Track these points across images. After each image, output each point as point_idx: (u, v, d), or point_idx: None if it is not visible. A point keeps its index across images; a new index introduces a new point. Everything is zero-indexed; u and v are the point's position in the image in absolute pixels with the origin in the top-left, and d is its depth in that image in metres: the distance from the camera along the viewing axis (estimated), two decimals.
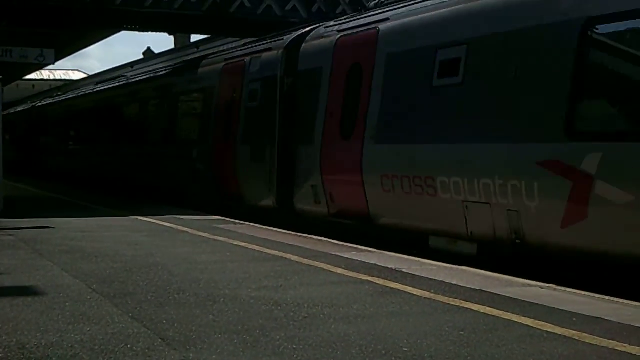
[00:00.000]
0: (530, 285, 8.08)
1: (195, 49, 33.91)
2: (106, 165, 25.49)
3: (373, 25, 13.01)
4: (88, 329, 5.82)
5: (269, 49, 15.98)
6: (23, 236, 11.63)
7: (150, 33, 26.45)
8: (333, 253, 10.26)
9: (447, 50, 11.01)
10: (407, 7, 12.61)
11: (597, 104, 9.27)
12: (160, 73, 24.34)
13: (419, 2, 12.44)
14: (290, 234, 12.62)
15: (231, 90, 17.11)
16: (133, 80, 26.76)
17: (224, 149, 17.01)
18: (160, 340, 5.55)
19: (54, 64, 21.56)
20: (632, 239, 8.29)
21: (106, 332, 5.75)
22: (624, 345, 5.59)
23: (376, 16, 13.36)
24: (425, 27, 11.78)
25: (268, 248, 10.66)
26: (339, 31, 14.03)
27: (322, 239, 11.96)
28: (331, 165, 13.42)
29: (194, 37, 44.76)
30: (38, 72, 56.59)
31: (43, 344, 5.35)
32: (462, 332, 5.92)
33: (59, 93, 35.42)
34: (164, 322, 6.12)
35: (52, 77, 74.93)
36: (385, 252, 10.40)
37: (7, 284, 7.70)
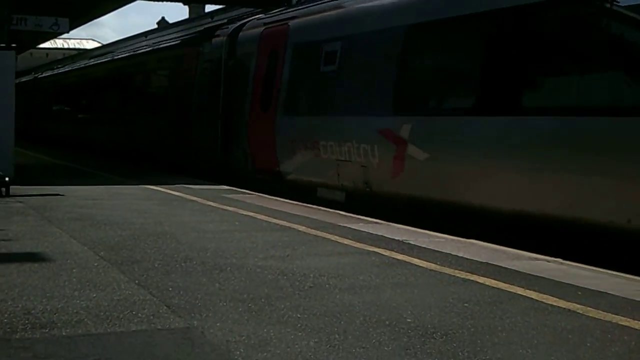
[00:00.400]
0: (536, 259, 8.08)
1: (210, 19, 33.79)
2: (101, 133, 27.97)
3: (285, 21, 16.29)
4: (94, 295, 5.85)
5: (218, 36, 19.09)
6: (32, 203, 11.68)
7: (164, 3, 26.67)
8: (340, 224, 10.28)
9: (329, 44, 14.19)
10: (309, 7, 16.06)
11: (408, 89, 12.36)
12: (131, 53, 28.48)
13: (317, 4, 15.72)
14: (298, 204, 12.64)
15: (188, 69, 20.34)
16: (119, 57, 29.58)
17: (185, 118, 20.14)
18: (165, 307, 5.59)
19: (68, 32, 21.43)
20: (431, 186, 11.22)
21: (112, 298, 5.79)
22: (628, 319, 5.59)
23: (290, 13, 16.76)
24: (316, 25, 15.11)
25: (276, 218, 10.68)
26: (265, 24, 17.22)
27: (330, 210, 11.98)
28: (254, 133, 16.45)
29: (209, 7, 44.53)
30: (52, 41, 56.39)
31: (48, 310, 5.39)
32: (466, 304, 5.94)
33: (67, 64, 36.19)
34: (170, 289, 6.15)
35: (66, 46, 74.67)
36: (393, 224, 10.42)
37: (15, 250, 7.74)
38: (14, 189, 12.78)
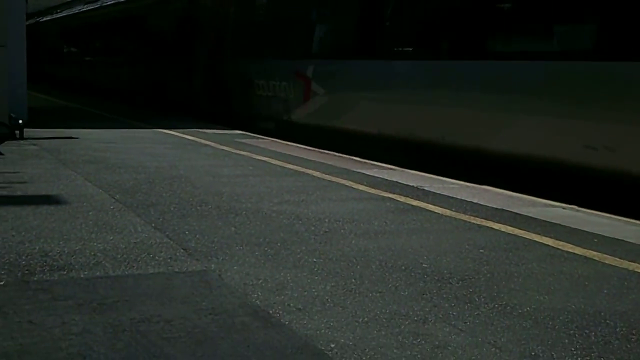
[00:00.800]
0: (552, 206, 8.06)
1: None
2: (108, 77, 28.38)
3: None
4: (111, 238, 5.87)
5: None
6: (47, 146, 11.69)
7: None
8: (355, 170, 10.26)
9: None
10: None
11: (309, 38, 15.17)
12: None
13: None
14: (312, 149, 12.62)
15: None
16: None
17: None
18: (182, 250, 5.60)
19: None
20: (327, 115, 14.22)
21: (129, 241, 5.81)
22: None
23: None
24: None
25: (290, 163, 10.67)
26: None
27: (344, 155, 11.96)
28: (213, 75, 19.15)
29: None
30: None
31: (66, 252, 5.41)
32: (482, 250, 5.94)
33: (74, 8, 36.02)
34: (186, 232, 6.16)
35: None
36: (407, 170, 10.39)
37: (31, 192, 7.76)
38: (27, 131, 12.80)
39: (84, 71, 31.81)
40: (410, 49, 12.45)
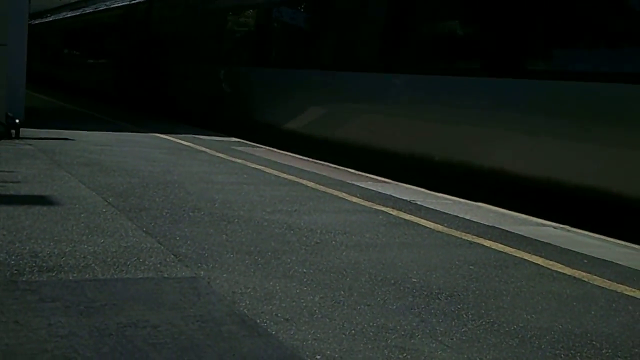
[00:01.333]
0: (544, 225, 8.08)
1: None
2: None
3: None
4: (101, 241, 5.87)
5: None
6: (42, 146, 11.69)
7: None
8: (349, 181, 10.27)
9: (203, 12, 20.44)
10: None
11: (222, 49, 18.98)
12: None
13: None
14: (307, 160, 12.63)
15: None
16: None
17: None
18: (172, 256, 5.60)
19: None
20: (242, 110, 17.42)
21: (119, 245, 5.81)
22: (633, 289, 5.60)
23: None
24: None
25: (285, 172, 10.68)
26: None
27: (340, 167, 11.97)
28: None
29: None
30: None
31: (56, 253, 5.41)
32: (472, 267, 5.95)
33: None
34: (178, 238, 6.17)
35: None
36: (401, 184, 10.41)
37: (24, 192, 7.76)
38: (24, 131, 12.78)
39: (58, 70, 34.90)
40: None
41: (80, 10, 32.91)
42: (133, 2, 24.97)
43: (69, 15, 34.84)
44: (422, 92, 11.76)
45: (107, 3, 28.76)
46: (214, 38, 19.12)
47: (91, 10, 30.67)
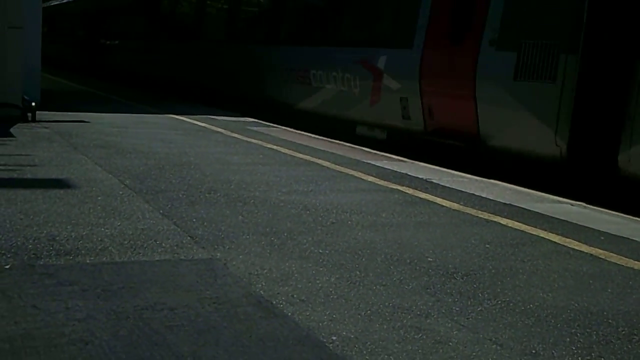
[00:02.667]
0: (560, 202, 8.05)
1: None
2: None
3: None
4: (118, 224, 5.90)
5: None
6: (58, 129, 11.73)
7: None
8: (365, 160, 10.26)
9: None
10: None
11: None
12: None
13: None
14: (322, 139, 12.62)
15: None
16: None
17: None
18: (189, 238, 5.63)
19: None
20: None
21: (136, 227, 5.83)
22: None
23: None
24: None
25: (300, 152, 10.68)
26: None
27: (355, 146, 11.96)
28: None
29: None
30: None
31: (73, 237, 5.44)
32: (488, 246, 5.94)
33: None
34: (194, 220, 6.19)
35: None
36: (417, 162, 10.39)
37: (41, 175, 7.80)
38: (40, 114, 12.83)
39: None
40: None
41: None
42: None
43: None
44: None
45: None
46: None
47: None
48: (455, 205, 7.47)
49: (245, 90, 17.94)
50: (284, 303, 4.34)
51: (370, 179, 8.79)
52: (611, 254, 5.88)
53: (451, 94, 11.37)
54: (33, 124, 12.19)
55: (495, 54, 10.55)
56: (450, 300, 4.59)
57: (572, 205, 7.93)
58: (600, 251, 5.95)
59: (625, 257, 5.81)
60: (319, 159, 10.15)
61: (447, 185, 8.65)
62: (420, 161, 10.55)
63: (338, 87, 14.19)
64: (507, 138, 10.56)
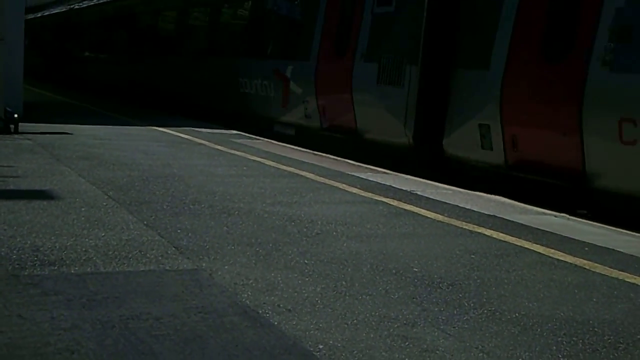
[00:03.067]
0: (544, 214, 8.09)
1: None
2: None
3: None
4: (102, 235, 5.87)
5: None
6: (41, 141, 11.68)
7: None
8: (349, 172, 10.27)
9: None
10: None
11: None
12: None
13: None
14: (307, 151, 12.63)
15: None
16: None
17: None
18: (173, 248, 5.61)
19: None
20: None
21: (120, 238, 5.81)
22: (634, 277, 5.61)
23: None
24: None
25: (284, 164, 10.68)
26: None
27: (339, 158, 11.97)
28: None
29: None
30: None
31: (57, 247, 5.41)
32: (473, 256, 5.95)
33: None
34: (178, 231, 6.17)
35: None
36: (401, 174, 10.41)
37: (24, 187, 7.76)
38: (22, 126, 12.76)
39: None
40: None
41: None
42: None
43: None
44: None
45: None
46: None
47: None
48: (439, 217, 7.49)
49: (197, 99, 20.75)
50: (270, 312, 4.33)
51: (355, 190, 8.80)
52: (595, 264, 5.91)
53: (336, 97, 14.32)
54: (16, 136, 12.13)
55: (365, 64, 13.49)
56: (436, 309, 4.60)
57: (555, 216, 7.96)
58: (585, 262, 5.97)
59: (610, 267, 5.83)
60: (303, 170, 10.15)
61: (431, 197, 8.67)
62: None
63: (259, 92, 17.49)
64: (375, 131, 13.28)
